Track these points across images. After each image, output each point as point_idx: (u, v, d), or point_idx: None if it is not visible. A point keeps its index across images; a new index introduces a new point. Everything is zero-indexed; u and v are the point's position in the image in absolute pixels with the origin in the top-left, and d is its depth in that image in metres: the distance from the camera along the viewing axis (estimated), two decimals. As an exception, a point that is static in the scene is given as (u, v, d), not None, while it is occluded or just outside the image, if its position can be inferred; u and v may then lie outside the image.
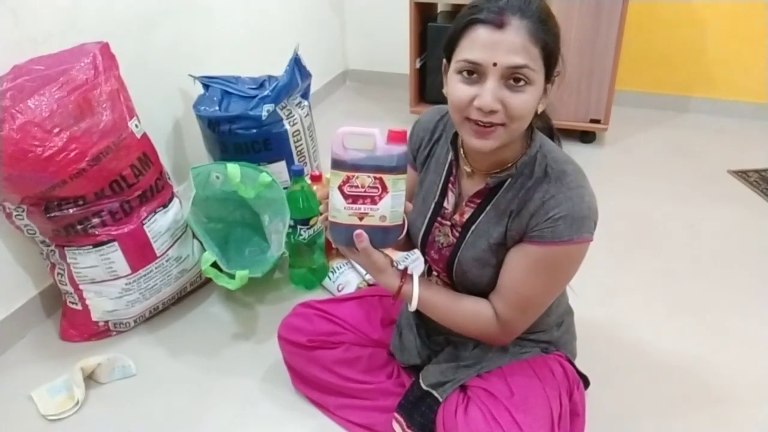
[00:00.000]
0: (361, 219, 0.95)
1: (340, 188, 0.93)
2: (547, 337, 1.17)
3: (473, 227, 1.05)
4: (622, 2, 2.34)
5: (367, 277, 1.73)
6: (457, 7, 2.83)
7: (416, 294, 1.05)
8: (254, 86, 2.03)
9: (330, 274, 1.79)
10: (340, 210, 0.95)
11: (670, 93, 3.01)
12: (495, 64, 0.87)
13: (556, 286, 1.04)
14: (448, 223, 1.09)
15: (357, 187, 0.93)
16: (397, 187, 0.94)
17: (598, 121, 2.59)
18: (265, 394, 1.43)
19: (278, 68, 2.02)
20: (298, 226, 1.69)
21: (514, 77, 0.88)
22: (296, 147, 2.00)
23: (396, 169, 0.92)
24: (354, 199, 0.94)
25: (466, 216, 1.06)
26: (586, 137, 2.68)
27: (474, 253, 1.05)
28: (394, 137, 0.92)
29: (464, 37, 0.90)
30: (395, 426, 1.18)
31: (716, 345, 1.55)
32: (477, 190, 1.05)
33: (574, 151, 2.63)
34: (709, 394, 1.41)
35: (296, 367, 1.36)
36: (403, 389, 1.25)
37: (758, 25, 2.73)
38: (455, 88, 0.92)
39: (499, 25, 0.86)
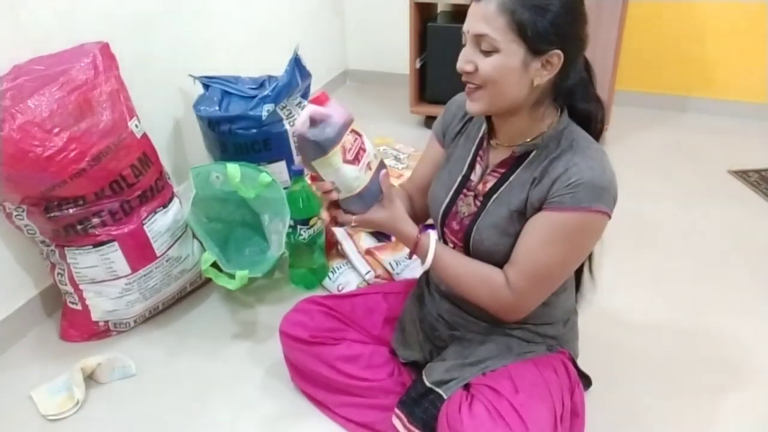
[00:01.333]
0: (370, 168, 1.01)
1: (345, 162, 0.98)
2: (553, 332, 1.17)
3: (495, 195, 1.08)
4: (622, 2, 2.34)
5: (368, 276, 1.73)
6: (457, 7, 2.83)
7: (433, 245, 1.07)
8: (254, 86, 2.03)
9: (330, 274, 1.79)
10: (359, 176, 1.00)
11: (670, 93, 3.01)
12: (468, 31, 0.98)
13: (571, 258, 1.04)
14: (472, 193, 1.12)
15: (350, 149, 0.99)
16: (358, 127, 1.01)
17: (598, 121, 2.58)
18: (265, 394, 1.43)
19: (278, 68, 2.02)
20: (298, 226, 1.69)
21: (480, 43, 0.97)
22: (296, 147, 2.00)
23: (350, 118, 0.99)
24: (356, 159, 0.99)
25: (489, 185, 1.09)
26: (586, 137, 2.68)
27: (493, 220, 1.07)
28: (320, 100, 0.97)
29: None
30: (395, 422, 1.18)
31: (716, 345, 1.55)
32: (502, 159, 1.08)
33: (574, 151, 2.62)
34: (708, 394, 1.41)
35: (296, 362, 1.36)
36: (403, 388, 1.25)
37: (758, 25, 2.73)
38: None
39: None
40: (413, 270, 1.74)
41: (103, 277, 1.53)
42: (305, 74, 2.03)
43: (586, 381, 1.25)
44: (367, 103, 3.22)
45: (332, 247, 1.88)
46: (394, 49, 3.11)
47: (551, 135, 1.03)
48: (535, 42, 0.95)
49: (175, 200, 1.66)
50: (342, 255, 1.84)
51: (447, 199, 1.15)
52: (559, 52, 0.96)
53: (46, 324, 1.68)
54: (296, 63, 1.97)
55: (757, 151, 2.59)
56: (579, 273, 1.22)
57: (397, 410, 1.18)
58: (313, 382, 1.35)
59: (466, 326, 1.19)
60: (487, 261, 1.09)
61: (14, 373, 1.52)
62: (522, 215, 1.04)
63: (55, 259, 1.53)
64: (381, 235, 1.91)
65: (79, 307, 1.57)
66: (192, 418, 1.38)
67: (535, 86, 0.99)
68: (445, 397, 1.12)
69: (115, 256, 1.51)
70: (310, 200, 1.68)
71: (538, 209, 1.01)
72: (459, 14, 2.82)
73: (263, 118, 1.88)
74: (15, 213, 1.45)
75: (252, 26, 2.50)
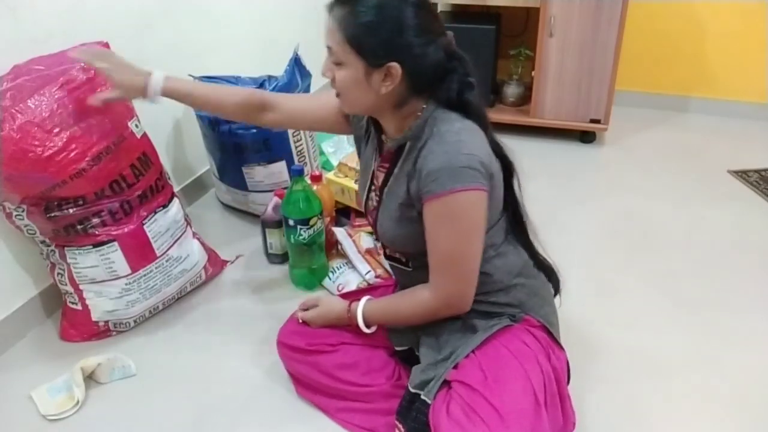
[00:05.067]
0: None
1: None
2: (507, 299, 1.18)
3: (386, 189, 1.16)
4: (622, 2, 2.34)
5: (368, 276, 1.73)
6: (456, 7, 2.83)
7: (360, 313, 1.20)
8: (254, 86, 2.02)
9: (330, 274, 1.79)
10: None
11: (670, 93, 3.01)
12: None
13: (464, 236, 1.07)
14: (375, 187, 1.19)
15: None
16: None
17: (598, 121, 2.59)
18: (265, 395, 1.43)
19: (278, 68, 2.02)
20: (298, 226, 1.69)
21: (331, 55, 1.04)
22: (296, 147, 2.00)
23: None
24: None
25: (380, 180, 1.17)
26: (586, 137, 2.68)
27: (388, 213, 1.16)
28: None
29: None
30: None
31: (716, 344, 1.55)
32: (384, 155, 1.16)
33: (574, 151, 2.63)
34: (709, 394, 1.41)
35: (296, 372, 1.37)
36: (402, 391, 1.25)
37: (758, 25, 2.73)
38: None
39: (329, 10, 1.03)
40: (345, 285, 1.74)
41: (103, 277, 1.53)
42: (305, 74, 2.03)
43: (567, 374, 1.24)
44: (367, 103, 3.21)
45: (332, 247, 1.88)
46: (394, 49, 3.10)
47: (418, 125, 1.07)
48: (368, 56, 1.01)
49: (175, 200, 1.65)
50: (342, 255, 1.83)
51: (364, 197, 1.23)
52: (394, 64, 1.00)
53: (46, 324, 1.67)
54: (296, 63, 1.97)
55: (757, 151, 2.60)
56: (537, 256, 1.25)
57: (396, 422, 1.19)
58: (313, 390, 1.35)
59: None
60: (401, 249, 1.20)
61: (14, 373, 1.52)
62: (411, 207, 1.10)
63: (55, 259, 1.53)
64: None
65: (79, 307, 1.57)
66: (192, 418, 1.38)
67: (383, 95, 1.03)
68: (428, 401, 1.12)
69: (115, 256, 1.51)
70: (309, 200, 1.68)
71: (423, 202, 1.06)
72: (459, 14, 2.82)
73: (263, 118, 1.88)
74: (15, 213, 1.45)
75: (252, 26, 2.50)
